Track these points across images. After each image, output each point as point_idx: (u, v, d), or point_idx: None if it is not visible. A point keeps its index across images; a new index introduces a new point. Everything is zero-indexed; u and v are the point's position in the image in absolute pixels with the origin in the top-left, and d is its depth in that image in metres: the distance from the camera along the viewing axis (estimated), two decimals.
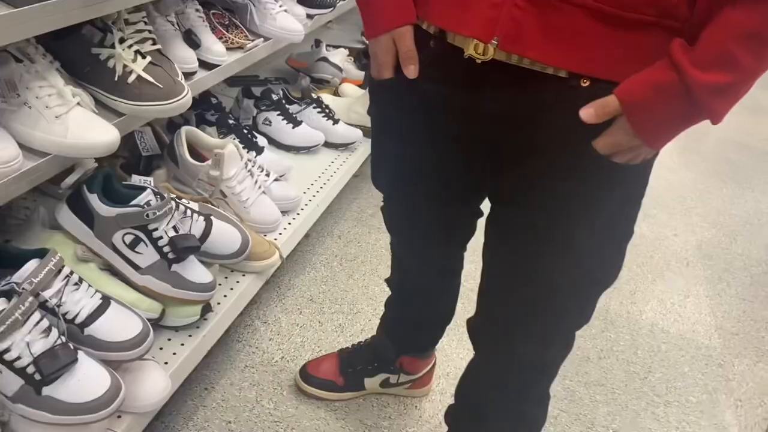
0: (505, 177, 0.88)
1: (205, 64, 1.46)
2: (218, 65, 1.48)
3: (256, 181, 1.56)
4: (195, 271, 1.22)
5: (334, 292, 1.74)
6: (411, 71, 0.88)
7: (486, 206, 1.01)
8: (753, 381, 1.76)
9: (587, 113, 0.77)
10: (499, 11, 0.75)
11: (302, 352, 1.53)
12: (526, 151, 0.83)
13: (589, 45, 0.75)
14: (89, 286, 1.06)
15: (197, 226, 1.30)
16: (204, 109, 1.82)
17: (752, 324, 2.00)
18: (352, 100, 2.14)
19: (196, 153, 1.58)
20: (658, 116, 0.74)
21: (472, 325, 1.09)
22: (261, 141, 1.80)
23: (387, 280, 1.38)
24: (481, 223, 1.06)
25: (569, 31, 0.74)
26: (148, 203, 1.15)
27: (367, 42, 2.73)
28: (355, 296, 1.75)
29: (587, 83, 0.77)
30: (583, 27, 0.74)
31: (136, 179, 1.31)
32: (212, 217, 1.34)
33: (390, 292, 1.40)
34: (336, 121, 2.03)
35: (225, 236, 1.34)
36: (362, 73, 2.38)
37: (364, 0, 0.92)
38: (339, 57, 2.32)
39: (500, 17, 0.76)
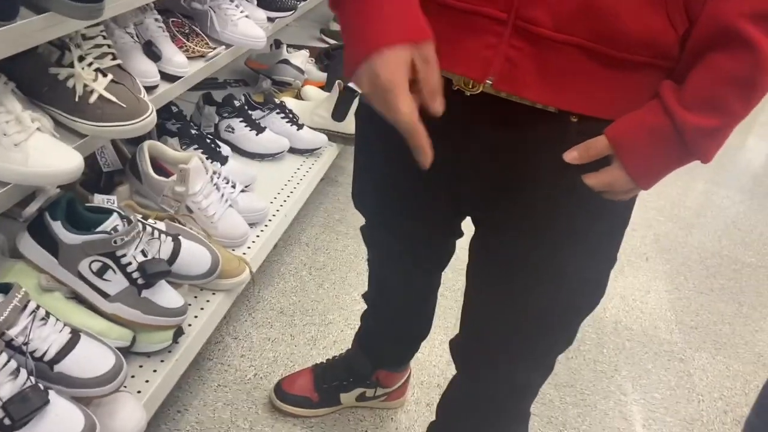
0: (491, 207, 0.88)
1: (166, 76, 1.42)
2: (180, 77, 1.44)
3: (222, 195, 1.52)
4: (165, 295, 1.19)
5: (304, 303, 1.73)
6: (438, 104, 0.72)
7: (467, 226, 1.02)
8: (712, 374, 1.83)
9: (572, 156, 0.77)
10: (495, 51, 0.74)
11: (275, 368, 1.51)
12: (514, 183, 0.83)
13: (584, 85, 0.75)
14: (57, 320, 1.01)
15: (165, 248, 1.27)
16: (164, 119, 1.76)
17: (709, 317, 2.07)
18: (314, 104, 2.11)
19: (159, 166, 1.53)
20: (651, 159, 0.75)
21: (456, 345, 1.09)
22: (225, 150, 1.76)
23: (364, 296, 1.37)
24: (464, 242, 1.07)
25: (564, 71, 0.74)
26: (115, 229, 1.11)
27: (327, 40, 2.67)
28: (326, 306, 1.73)
29: (576, 119, 0.77)
30: (578, 67, 0.74)
31: (99, 199, 1.26)
32: (180, 237, 1.31)
33: (365, 306, 1.39)
34: (300, 126, 2.00)
35: (194, 256, 1.31)
36: (324, 75, 2.34)
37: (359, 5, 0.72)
38: (300, 58, 2.28)
39: (495, 57, 0.75)
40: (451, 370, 1.60)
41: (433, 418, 1.38)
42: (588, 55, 0.73)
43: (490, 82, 0.76)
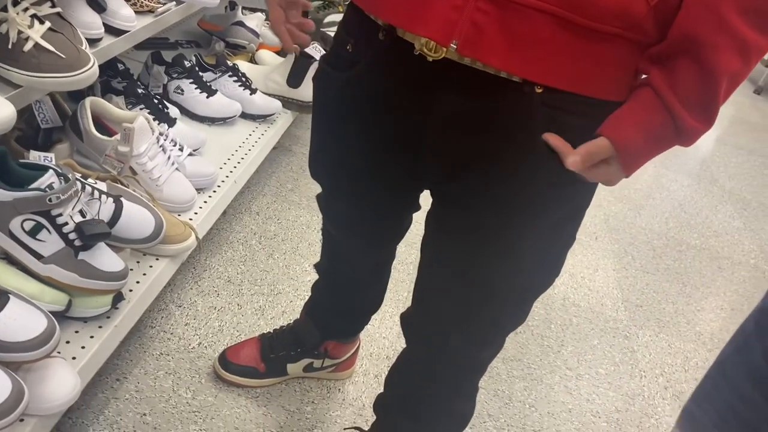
0: (451, 180, 0.86)
1: (111, 30, 1.34)
2: (126, 31, 1.36)
3: (168, 157, 1.46)
4: (105, 258, 1.13)
5: (253, 273, 1.69)
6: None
7: (424, 199, 0.99)
8: (654, 352, 1.87)
9: (574, 163, 0.74)
10: (461, 14, 0.71)
11: (221, 338, 1.47)
12: (476, 155, 0.81)
13: (551, 54, 0.72)
14: None
15: (106, 209, 1.21)
16: (110, 76, 1.68)
17: (654, 296, 2.12)
18: (269, 69, 2.05)
19: (102, 125, 1.46)
20: (649, 156, 0.77)
21: (406, 319, 1.07)
22: (173, 112, 1.70)
23: (316, 266, 1.33)
24: (420, 216, 1.04)
25: (532, 38, 0.71)
26: (50, 186, 1.05)
27: None
28: (275, 276, 1.69)
29: (541, 90, 0.74)
30: (546, 35, 0.71)
31: (35, 156, 1.19)
32: (122, 199, 1.25)
33: (317, 276, 1.36)
34: (253, 91, 1.94)
35: (137, 219, 1.25)
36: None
37: None
38: (255, 21, 2.21)
39: (461, 20, 0.71)
40: (401, 343, 1.59)
41: (382, 390, 1.37)
42: (556, 22, 0.70)
43: (454, 47, 0.73)
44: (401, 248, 1.24)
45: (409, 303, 1.05)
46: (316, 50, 2.02)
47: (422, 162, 0.87)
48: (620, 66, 0.75)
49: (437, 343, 1.02)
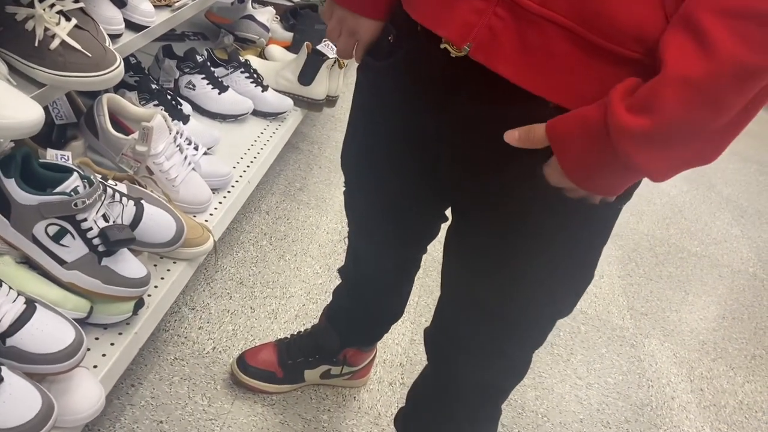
0: (468, 187, 0.84)
1: (131, 25, 1.30)
2: (146, 26, 1.32)
3: (185, 157, 1.43)
4: (128, 264, 1.10)
5: (265, 275, 1.66)
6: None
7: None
8: (660, 361, 1.88)
9: (511, 136, 0.71)
10: (480, 17, 0.70)
11: (235, 342, 1.45)
12: (491, 165, 0.79)
13: (563, 71, 0.69)
14: (10, 288, 0.92)
15: (127, 212, 1.17)
16: None
17: (659, 304, 2.13)
18: (280, 65, 2.02)
19: (118, 122, 1.42)
20: (580, 155, 0.67)
21: (427, 335, 1.06)
22: (186, 108, 1.66)
23: (340, 270, 1.31)
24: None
25: (544, 51, 0.68)
26: (75, 190, 1.02)
27: (295, 0, 2.55)
28: (287, 279, 1.67)
29: (554, 105, 0.71)
30: (559, 50, 0.68)
31: (52, 154, 1.16)
32: (143, 201, 1.21)
33: (333, 281, 1.34)
34: (265, 88, 1.90)
35: (158, 223, 1.22)
36: (290, 35, 2.24)
37: None
38: (266, 16, 2.17)
39: (479, 24, 0.70)
40: (414, 350, 1.58)
41: (395, 397, 1.36)
42: (570, 38, 0.67)
43: (468, 49, 0.71)
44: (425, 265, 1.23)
45: (419, 309, 1.04)
46: (328, 48, 1.99)
47: (444, 164, 0.85)
48: None
49: (454, 364, 1.01)
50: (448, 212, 1.00)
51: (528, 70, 0.70)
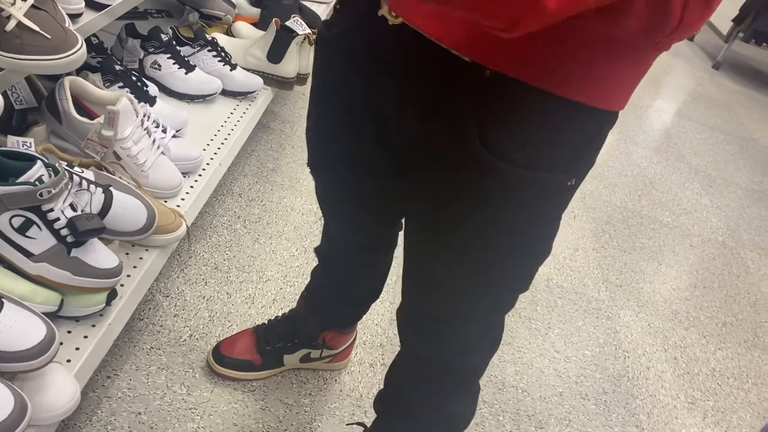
0: (412, 165, 0.82)
1: (91, 3, 1.24)
2: (108, 5, 1.27)
3: (153, 141, 1.38)
4: (98, 254, 1.07)
5: (240, 259, 1.63)
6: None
7: None
8: (636, 332, 1.90)
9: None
10: None
11: (212, 328, 1.42)
12: (429, 140, 0.76)
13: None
14: None
15: (96, 200, 1.13)
16: None
17: (632, 275, 2.15)
18: (248, 43, 1.96)
19: (81, 106, 1.37)
20: None
21: (397, 316, 1.04)
22: (152, 90, 1.60)
23: (316, 250, 1.29)
24: None
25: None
26: (40, 179, 0.97)
27: None
28: (263, 262, 1.64)
29: (489, 74, 0.67)
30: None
31: (13, 141, 1.11)
32: (112, 189, 1.17)
33: (308, 263, 1.32)
34: (233, 67, 1.85)
35: (128, 210, 1.18)
36: (257, 11, 2.18)
37: None
38: None
39: None
40: (394, 330, 1.57)
41: (377, 378, 1.35)
42: None
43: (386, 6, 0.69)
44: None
45: (398, 288, 1.03)
46: (297, 24, 1.94)
47: (392, 138, 0.83)
48: (578, 58, 0.65)
49: (418, 344, 1.00)
50: None
51: (443, 23, 0.67)
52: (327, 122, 0.96)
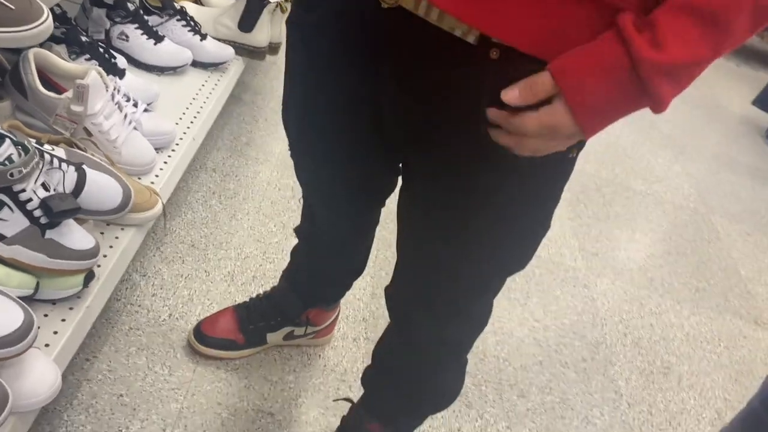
0: (412, 150, 0.81)
1: None
2: None
3: (125, 115, 1.33)
4: (74, 235, 1.03)
5: (217, 236, 1.60)
6: None
7: None
8: (612, 300, 1.93)
9: (511, 95, 0.65)
10: None
11: (191, 307, 1.40)
12: (432, 127, 0.74)
13: (510, 4, 0.63)
14: None
15: (69, 179, 1.09)
16: None
17: (608, 243, 2.18)
18: (218, 11, 1.90)
19: (47, 80, 1.31)
20: (601, 99, 0.63)
21: (387, 294, 1.04)
22: (120, 62, 1.54)
23: (296, 230, 1.27)
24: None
25: None
26: (9, 159, 0.93)
27: None
28: (241, 239, 1.61)
29: (497, 55, 0.66)
30: None
31: None
32: (85, 167, 1.13)
33: (290, 241, 1.30)
34: (204, 37, 1.79)
35: (102, 189, 1.14)
36: None
37: None
38: None
39: None
40: (376, 304, 1.57)
41: (360, 352, 1.35)
42: None
43: None
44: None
45: (378, 262, 1.01)
46: None
47: (387, 124, 0.81)
48: (594, 33, 0.64)
49: (412, 322, 1.00)
50: None
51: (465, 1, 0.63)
52: (313, 111, 0.91)
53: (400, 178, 0.96)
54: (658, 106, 0.64)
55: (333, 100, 0.86)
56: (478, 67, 0.67)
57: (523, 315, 1.74)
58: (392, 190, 1.08)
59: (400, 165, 0.96)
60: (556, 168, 0.77)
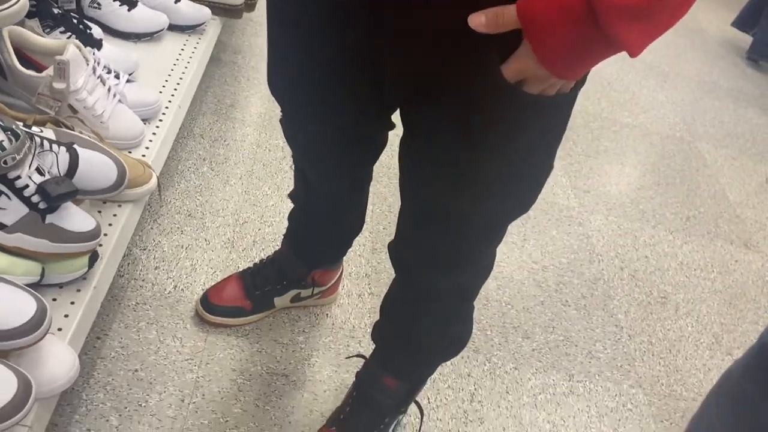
0: (413, 105, 0.80)
1: None
2: None
3: (109, 89, 1.30)
4: (74, 218, 1.02)
5: (213, 203, 1.59)
6: None
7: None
8: (607, 235, 1.96)
9: (477, 20, 0.64)
10: None
11: (195, 277, 1.40)
12: (434, 80, 0.74)
13: None
14: None
15: (62, 161, 1.07)
16: None
17: (599, 179, 2.19)
18: None
19: (25, 57, 1.27)
20: (561, 42, 0.62)
21: (392, 249, 1.04)
22: (96, 32, 1.49)
23: (290, 195, 1.26)
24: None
25: None
26: (1, 146, 0.91)
27: None
28: (237, 205, 1.61)
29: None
30: None
31: None
32: (76, 146, 1.10)
33: (289, 205, 1.29)
34: None
35: (96, 167, 1.12)
36: None
37: None
38: None
39: None
40: (377, 259, 1.58)
41: (366, 308, 1.36)
42: None
43: None
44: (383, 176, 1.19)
45: (375, 217, 1.01)
46: None
47: (385, 83, 0.81)
48: None
49: (422, 274, 1.00)
50: (395, 117, 0.95)
51: None
52: (305, 71, 0.89)
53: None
54: (632, 52, 0.62)
55: (326, 62, 0.84)
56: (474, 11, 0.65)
57: (522, 258, 1.77)
58: (385, 145, 1.07)
59: (392, 118, 0.96)
60: (564, 103, 0.77)
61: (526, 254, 1.78)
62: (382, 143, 1.07)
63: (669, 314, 1.74)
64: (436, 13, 0.69)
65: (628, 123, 2.57)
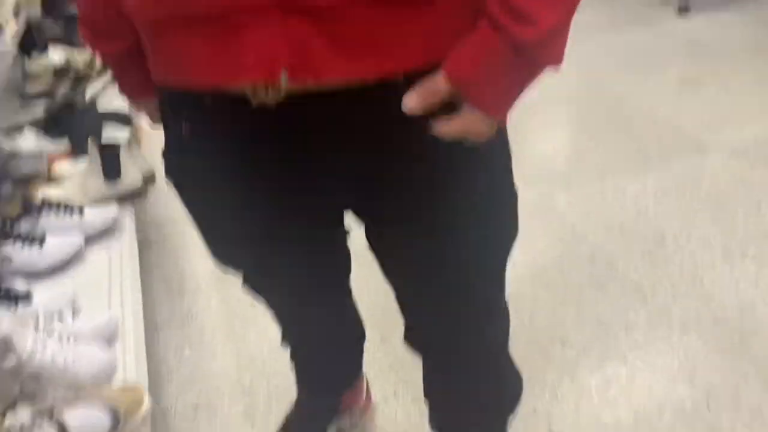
0: (364, 207, 0.79)
1: None
2: None
3: (59, 335, 1.24)
4: None
5: (211, 382, 1.51)
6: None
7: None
8: (578, 208, 1.96)
9: (412, 105, 0.65)
10: (278, 40, 0.61)
11: None
12: (372, 173, 0.72)
13: (380, 37, 0.63)
14: None
15: None
16: None
17: (541, 158, 2.21)
18: (80, 179, 1.79)
19: None
20: (501, 88, 0.64)
21: (409, 339, 0.99)
22: (20, 284, 1.43)
23: (282, 340, 1.21)
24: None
25: (356, 30, 0.62)
26: None
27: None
28: (236, 371, 1.53)
29: (402, 79, 0.65)
30: (362, 19, 0.61)
31: None
32: (58, 417, 1.03)
33: (289, 348, 1.24)
34: (81, 210, 1.68)
35: (89, 422, 1.05)
36: (64, 145, 1.99)
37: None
38: (30, 140, 1.90)
39: (279, 46, 0.61)
40: (385, 349, 1.53)
41: (408, 404, 1.31)
42: (365, 3, 0.60)
43: (285, 77, 0.62)
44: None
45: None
46: (111, 132, 1.81)
47: (321, 207, 0.81)
48: (464, 16, 0.65)
49: (449, 348, 0.97)
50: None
51: (351, 59, 0.62)
52: (255, 230, 0.85)
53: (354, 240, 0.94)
54: (558, 64, 0.64)
55: (273, 212, 0.81)
56: (388, 90, 0.65)
57: (521, 272, 1.73)
58: (350, 260, 1.04)
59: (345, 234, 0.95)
60: (499, 133, 0.76)
61: (521, 266, 1.76)
62: (347, 263, 1.04)
63: (673, 248, 1.74)
64: (341, 112, 0.67)
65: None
